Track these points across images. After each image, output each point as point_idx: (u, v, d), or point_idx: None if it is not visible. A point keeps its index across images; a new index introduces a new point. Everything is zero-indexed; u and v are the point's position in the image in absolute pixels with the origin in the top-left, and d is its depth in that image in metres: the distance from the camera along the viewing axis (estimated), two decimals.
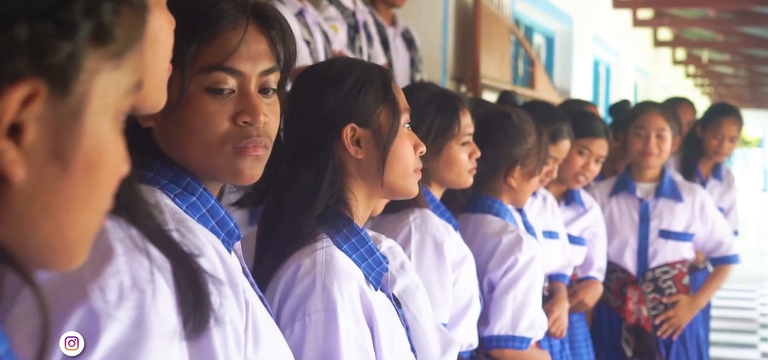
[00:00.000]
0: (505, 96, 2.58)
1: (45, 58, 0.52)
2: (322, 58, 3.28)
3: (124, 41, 0.57)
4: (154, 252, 0.73)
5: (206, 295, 0.81)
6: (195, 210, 1.02)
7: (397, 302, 1.45)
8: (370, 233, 1.57)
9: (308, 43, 3.26)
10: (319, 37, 3.32)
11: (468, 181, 1.95)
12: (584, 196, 3.10)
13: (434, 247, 1.79)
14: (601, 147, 2.87)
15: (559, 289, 2.74)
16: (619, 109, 3.68)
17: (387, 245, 1.55)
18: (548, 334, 2.58)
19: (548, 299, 2.68)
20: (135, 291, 0.68)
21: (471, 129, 1.94)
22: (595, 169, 2.91)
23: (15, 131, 0.52)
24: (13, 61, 0.51)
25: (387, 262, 1.39)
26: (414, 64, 3.89)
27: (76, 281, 0.67)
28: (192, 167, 1.04)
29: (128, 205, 0.76)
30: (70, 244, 0.58)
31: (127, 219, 0.75)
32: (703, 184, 4.26)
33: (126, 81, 0.59)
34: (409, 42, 3.89)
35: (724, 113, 4.25)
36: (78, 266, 0.60)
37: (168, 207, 0.98)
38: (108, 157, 0.58)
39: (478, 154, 1.96)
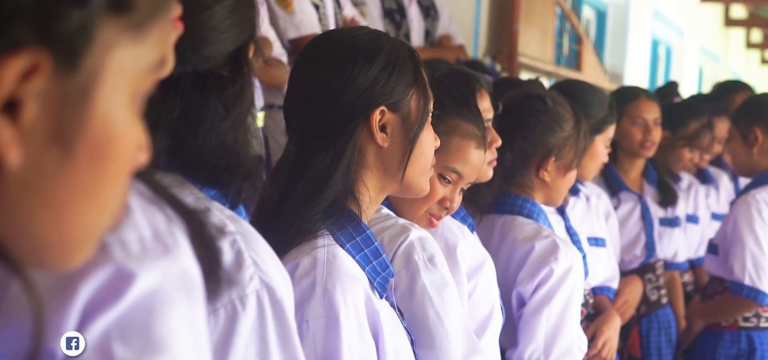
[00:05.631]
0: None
1: (51, 25, 0.51)
2: (331, 25, 3.30)
3: (146, 11, 0.56)
4: (166, 207, 0.76)
5: (216, 252, 0.84)
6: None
7: (400, 312, 1.46)
8: (401, 221, 1.59)
9: (317, 7, 3.28)
10: (329, 1, 3.35)
11: (487, 174, 1.95)
12: (587, 185, 3.09)
13: (445, 250, 1.77)
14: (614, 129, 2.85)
15: (606, 305, 2.74)
16: (667, 93, 3.69)
17: (417, 235, 1.55)
18: (592, 358, 2.58)
19: (594, 316, 2.69)
20: (157, 243, 0.70)
21: (490, 114, 1.94)
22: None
23: (12, 108, 0.52)
24: (13, 26, 0.50)
25: (392, 267, 1.40)
26: (429, 37, 3.89)
27: None
28: None
29: None
30: (68, 241, 0.57)
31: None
32: None
33: (147, 57, 0.58)
34: (426, 10, 3.88)
35: None
36: (77, 267, 0.60)
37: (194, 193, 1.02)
38: (119, 144, 0.57)
39: (499, 142, 1.95)
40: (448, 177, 1.72)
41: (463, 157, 1.73)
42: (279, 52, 3.05)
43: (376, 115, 1.37)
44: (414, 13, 3.85)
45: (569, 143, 2.20)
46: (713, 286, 3.25)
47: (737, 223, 3.16)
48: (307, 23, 3.21)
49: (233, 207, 1.09)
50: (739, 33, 13.94)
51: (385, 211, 1.64)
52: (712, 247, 3.22)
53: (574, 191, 2.76)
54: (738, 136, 3.19)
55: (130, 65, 0.57)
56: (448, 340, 1.52)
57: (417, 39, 3.85)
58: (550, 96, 2.23)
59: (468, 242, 1.86)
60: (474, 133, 1.75)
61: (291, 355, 0.97)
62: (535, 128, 2.16)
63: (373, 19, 3.70)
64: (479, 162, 1.77)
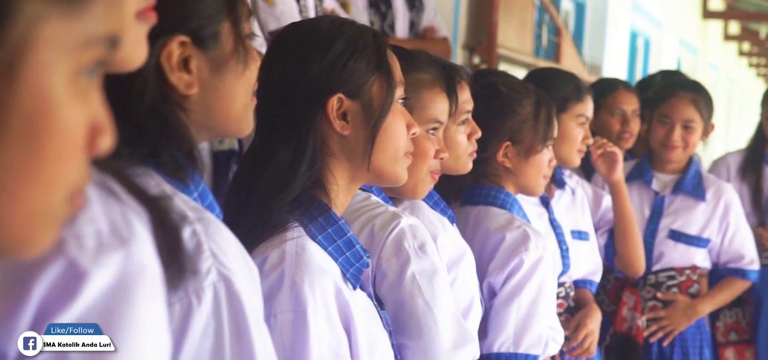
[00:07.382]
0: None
1: None
2: (312, 16, 3.30)
3: None
4: (127, 197, 0.74)
5: (179, 240, 0.83)
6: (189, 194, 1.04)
7: (379, 302, 1.46)
8: (391, 209, 1.58)
9: None
10: None
11: (467, 166, 1.96)
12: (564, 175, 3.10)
13: None
14: (589, 108, 2.79)
15: (589, 299, 2.75)
16: (648, 85, 3.70)
17: (408, 223, 1.55)
18: (575, 354, 2.58)
19: (575, 310, 2.69)
20: (115, 238, 0.69)
21: (470, 106, 1.94)
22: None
23: None
24: None
25: (368, 257, 1.39)
26: (414, 28, 3.88)
27: None
28: (223, 130, 1.13)
29: None
30: (15, 226, 0.56)
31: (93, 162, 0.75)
32: None
33: (85, 31, 0.56)
34: (411, 1, 3.88)
35: None
36: (35, 254, 0.58)
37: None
38: (58, 121, 0.55)
39: (479, 134, 1.95)
40: (433, 129, 1.72)
41: (438, 106, 1.74)
42: (260, 44, 3.05)
43: (333, 103, 1.35)
44: (399, 4, 3.84)
45: (526, 127, 2.19)
46: (688, 278, 3.26)
47: (738, 214, 3.24)
48: (288, 15, 3.20)
49: (172, 177, 1.03)
50: (716, 25, 14.00)
51: (375, 198, 1.63)
52: (702, 241, 3.23)
53: (559, 184, 2.78)
54: (701, 128, 3.21)
55: (67, 40, 0.55)
56: (436, 329, 1.51)
57: (402, 30, 3.84)
58: (505, 81, 2.23)
59: (448, 234, 1.85)
60: (434, 79, 1.75)
61: (245, 351, 0.95)
62: (485, 114, 2.13)
63: (358, 9, 3.69)
64: (446, 103, 1.77)
